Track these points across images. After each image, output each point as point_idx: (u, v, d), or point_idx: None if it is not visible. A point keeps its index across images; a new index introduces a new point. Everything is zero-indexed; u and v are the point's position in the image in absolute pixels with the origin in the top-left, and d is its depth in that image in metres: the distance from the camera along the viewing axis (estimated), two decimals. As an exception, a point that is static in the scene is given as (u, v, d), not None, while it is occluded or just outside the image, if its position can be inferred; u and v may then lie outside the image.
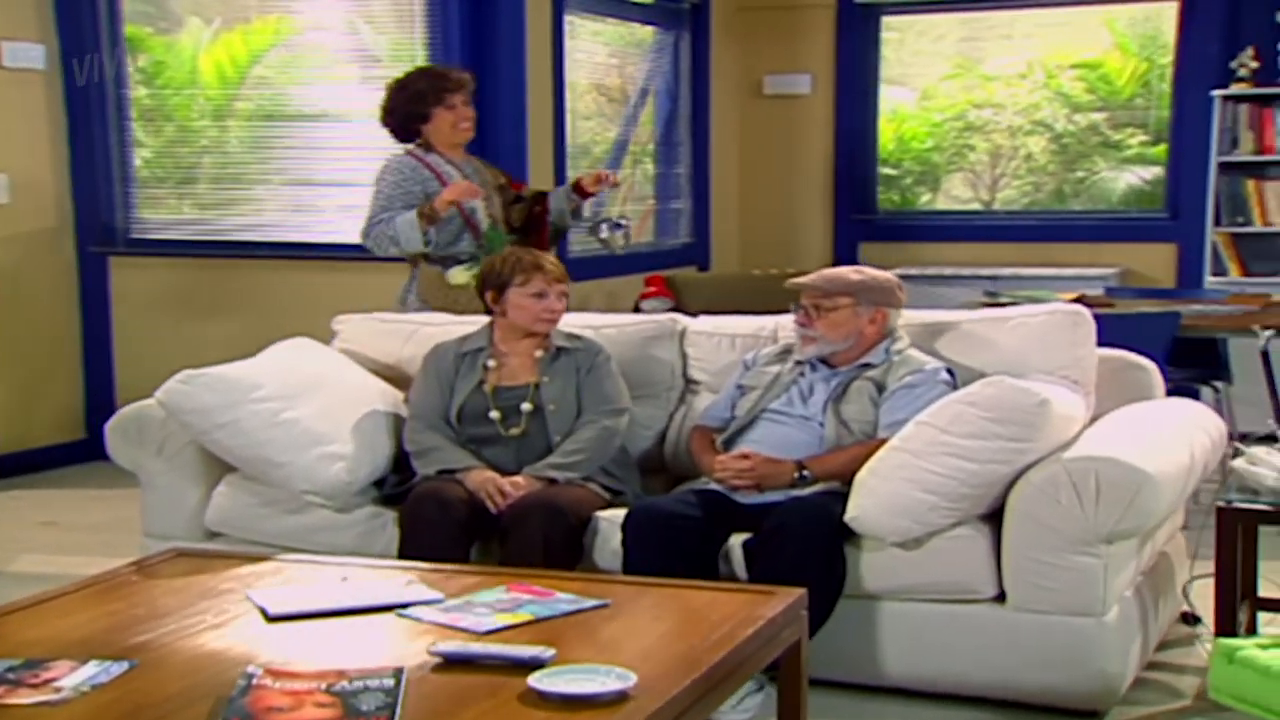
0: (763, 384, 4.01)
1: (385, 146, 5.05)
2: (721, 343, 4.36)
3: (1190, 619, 4.07)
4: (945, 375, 3.88)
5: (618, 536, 3.71)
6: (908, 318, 4.07)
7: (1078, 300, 5.83)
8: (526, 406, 3.96)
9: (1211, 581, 3.97)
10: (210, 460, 4.15)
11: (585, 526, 3.77)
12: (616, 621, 2.85)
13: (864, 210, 8.35)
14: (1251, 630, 3.54)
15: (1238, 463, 3.71)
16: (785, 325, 4.31)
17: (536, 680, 2.34)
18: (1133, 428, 3.67)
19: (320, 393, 4.11)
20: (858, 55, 8.23)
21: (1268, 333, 3.88)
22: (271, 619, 2.88)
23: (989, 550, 3.48)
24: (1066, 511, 3.35)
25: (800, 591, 2.98)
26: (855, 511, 3.52)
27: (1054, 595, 3.40)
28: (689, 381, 4.41)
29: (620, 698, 2.31)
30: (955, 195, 8.70)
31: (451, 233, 4.84)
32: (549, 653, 2.53)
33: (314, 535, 3.99)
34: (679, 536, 3.62)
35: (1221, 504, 3.50)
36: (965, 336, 4.07)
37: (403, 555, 3.72)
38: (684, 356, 4.41)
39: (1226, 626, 3.51)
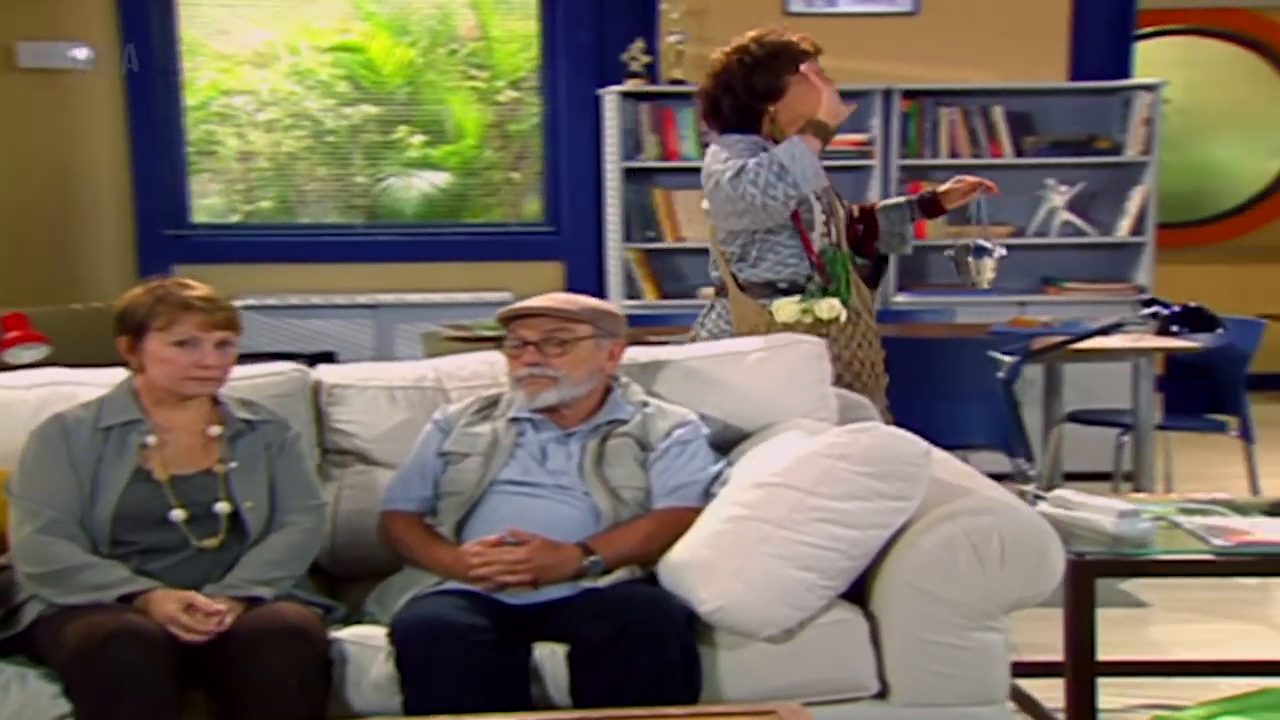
0: (479, 448, 3.69)
1: None
2: (378, 398, 3.95)
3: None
4: (704, 426, 3.78)
5: (376, 664, 3.29)
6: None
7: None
8: (223, 507, 3.37)
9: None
10: None
11: (328, 654, 3.29)
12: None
13: (178, 223, 7.81)
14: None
15: (1046, 509, 3.91)
16: (448, 372, 4.06)
17: None
18: (950, 478, 3.73)
19: None
20: (151, 21, 7.66)
21: (1011, 359, 4.11)
22: None
23: (869, 636, 3.40)
24: (966, 580, 3.36)
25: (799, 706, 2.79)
26: (719, 601, 3.33)
27: (951, 683, 3.40)
28: (327, 451, 3.93)
29: None
30: (208, 206, 8.25)
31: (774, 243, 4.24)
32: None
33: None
34: (478, 655, 3.24)
35: (1073, 557, 3.65)
36: (693, 376, 4.01)
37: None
38: (321, 418, 3.90)
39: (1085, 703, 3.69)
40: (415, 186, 8.51)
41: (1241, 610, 5.26)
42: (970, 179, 4.63)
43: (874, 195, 7.39)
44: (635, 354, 4.00)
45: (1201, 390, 6.39)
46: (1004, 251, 4.68)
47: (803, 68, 4.26)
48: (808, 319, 4.27)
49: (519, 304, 3.73)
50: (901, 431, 3.49)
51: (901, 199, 4.73)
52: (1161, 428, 6.31)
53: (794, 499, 3.37)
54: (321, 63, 8.38)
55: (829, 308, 4.30)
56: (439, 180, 8.49)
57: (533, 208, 8.26)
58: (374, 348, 7.33)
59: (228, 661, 3.13)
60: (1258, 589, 5.38)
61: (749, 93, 4.35)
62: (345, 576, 3.83)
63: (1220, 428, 6.43)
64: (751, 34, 4.41)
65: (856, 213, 4.64)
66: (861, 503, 3.36)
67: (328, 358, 5.92)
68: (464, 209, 8.43)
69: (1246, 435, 6.27)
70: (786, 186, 4.10)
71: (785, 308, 4.30)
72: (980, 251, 4.66)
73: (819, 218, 4.37)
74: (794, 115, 4.27)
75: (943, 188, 4.64)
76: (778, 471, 3.46)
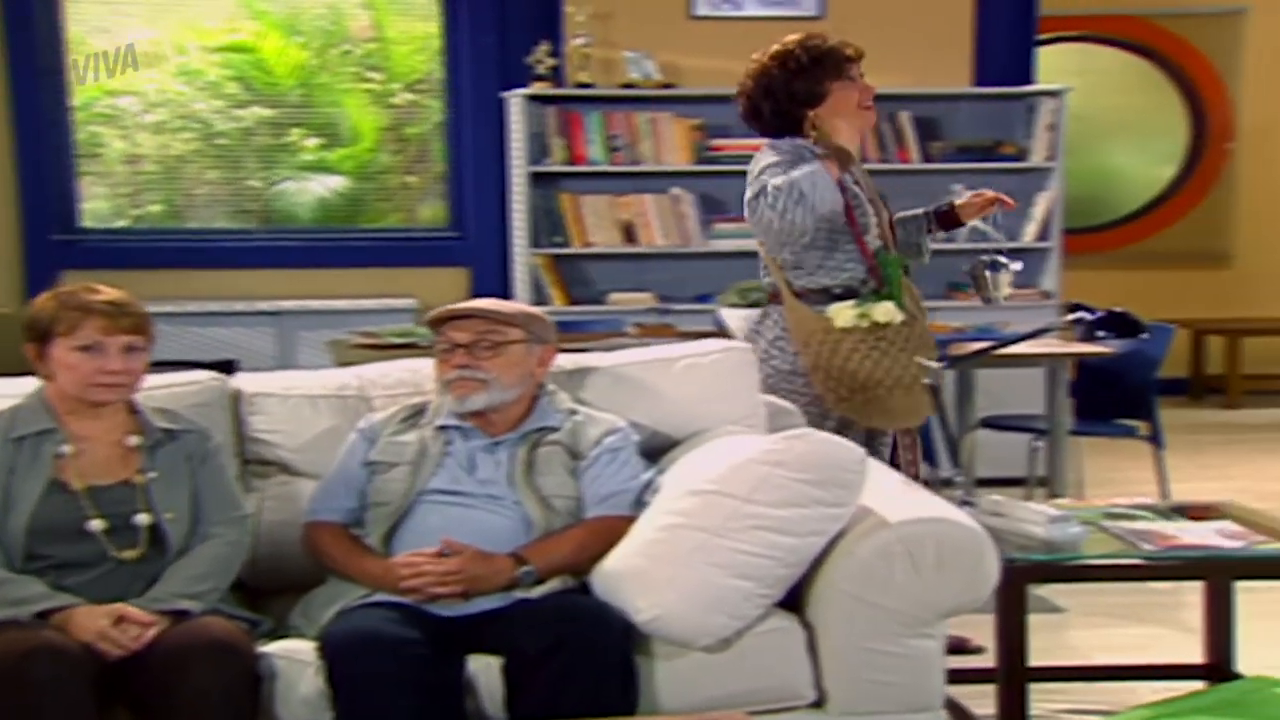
0: (406, 458, 3.67)
1: None
2: (300, 407, 3.92)
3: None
4: (634, 434, 3.78)
5: (306, 679, 3.26)
6: (542, 361, 3.89)
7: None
8: (143, 519, 3.32)
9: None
10: None
11: (256, 669, 3.25)
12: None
13: (66, 228, 7.69)
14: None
15: (976, 515, 3.94)
16: (371, 380, 4.05)
17: None
18: (885, 483, 3.76)
19: None
20: (35, 17, 7.58)
21: (939, 365, 4.14)
22: None
23: (806, 644, 3.42)
24: (902, 588, 3.39)
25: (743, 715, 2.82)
26: (656, 610, 3.34)
27: (888, 691, 3.42)
28: (247, 461, 3.91)
29: None
30: (92, 210, 8.12)
31: (829, 248, 4.24)
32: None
33: None
34: (411, 668, 3.22)
35: (1005, 563, 3.68)
36: (623, 383, 4.02)
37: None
38: (241, 427, 3.87)
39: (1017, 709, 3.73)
40: (310, 190, 8.43)
41: (1155, 614, 5.34)
42: (988, 193, 4.69)
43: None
44: (562, 361, 3.99)
45: (1111, 396, 6.47)
46: (1019, 265, 4.76)
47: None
48: (865, 323, 4.29)
49: (450, 306, 3.72)
50: (836, 437, 3.51)
51: (919, 210, 4.77)
52: (1074, 433, 6.38)
53: (730, 507, 3.38)
54: (210, 63, 8.27)
55: (885, 311, 4.31)
56: (334, 184, 8.41)
57: (429, 212, 8.23)
58: (277, 356, 7.25)
59: (153, 678, 3.09)
60: (1169, 593, 5.46)
61: (789, 98, 4.36)
62: (268, 589, 3.78)
63: (1130, 433, 6.53)
64: (794, 37, 4.42)
65: None
66: (799, 510, 3.37)
67: (228, 366, 5.85)
68: (360, 213, 8.38)
69: (1156, 440, 6.37)
70: (805, 211, 4.11)
71: (842, 313, 4.31)
72: (996, 266, 4.70)
73: (873, 220, 4.40)
74: (834, 121, 4.29)
75: (959, 201, 4.70)
76: (713, 479, 3.47)
